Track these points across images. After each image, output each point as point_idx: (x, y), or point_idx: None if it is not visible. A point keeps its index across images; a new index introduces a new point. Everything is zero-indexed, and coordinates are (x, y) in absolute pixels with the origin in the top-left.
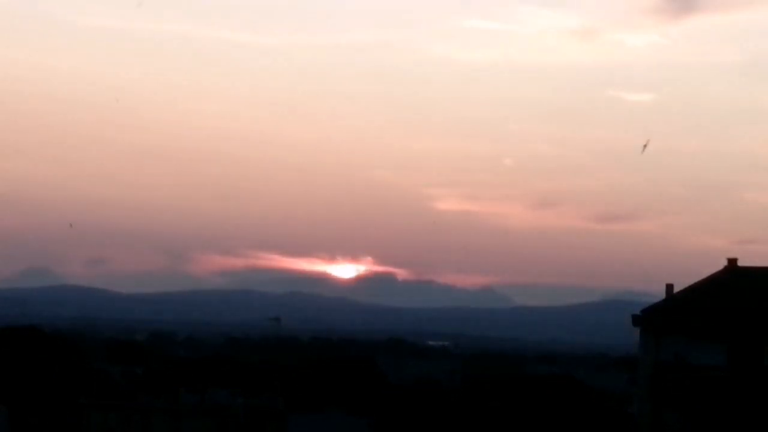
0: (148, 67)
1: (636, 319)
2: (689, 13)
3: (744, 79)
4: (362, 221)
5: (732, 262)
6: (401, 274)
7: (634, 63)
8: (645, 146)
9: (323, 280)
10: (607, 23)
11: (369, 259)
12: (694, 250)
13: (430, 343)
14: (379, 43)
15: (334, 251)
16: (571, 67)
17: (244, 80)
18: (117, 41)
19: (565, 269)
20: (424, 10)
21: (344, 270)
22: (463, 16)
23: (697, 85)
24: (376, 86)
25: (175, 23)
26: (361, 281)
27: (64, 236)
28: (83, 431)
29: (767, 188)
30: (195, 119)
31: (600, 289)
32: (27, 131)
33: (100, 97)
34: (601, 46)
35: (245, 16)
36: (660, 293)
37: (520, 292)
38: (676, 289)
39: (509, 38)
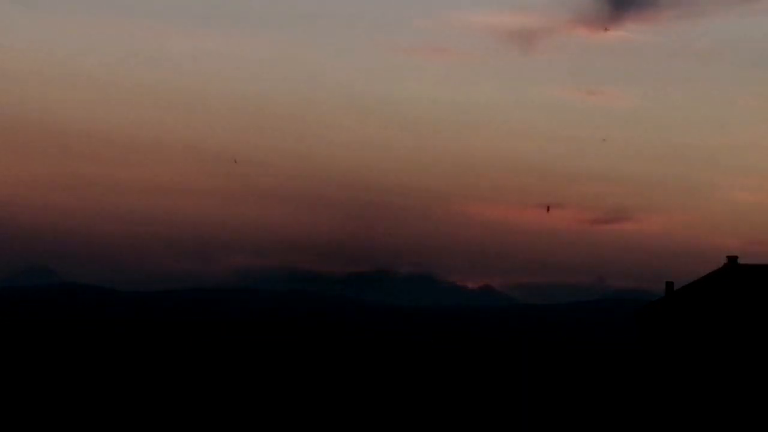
0: (158, 72)
1: (636, 317)
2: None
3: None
4: (362, 220)
5: (732, 260)
6: (401, 272)
7: (605, 63)
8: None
9: (324, 277)
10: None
11: (370, 257)
12: (694, 249)
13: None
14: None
15: (334, 249)
16: (548, 67)
17: (249, 87)
18: (124, 45)
19: (565, 268)
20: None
21: (345, 267)
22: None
23: (677, 83)
24: (355, 86)
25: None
26: (361, 279)
27: (65, 234)
28: None
29: (766, 186)
30: (196, 119)
31: (600, 287)
32: (27, 129)
33: (103, 94)
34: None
35: (247, 24)
36: (660, 291)
37: (519, 291)
38: (676, 287)
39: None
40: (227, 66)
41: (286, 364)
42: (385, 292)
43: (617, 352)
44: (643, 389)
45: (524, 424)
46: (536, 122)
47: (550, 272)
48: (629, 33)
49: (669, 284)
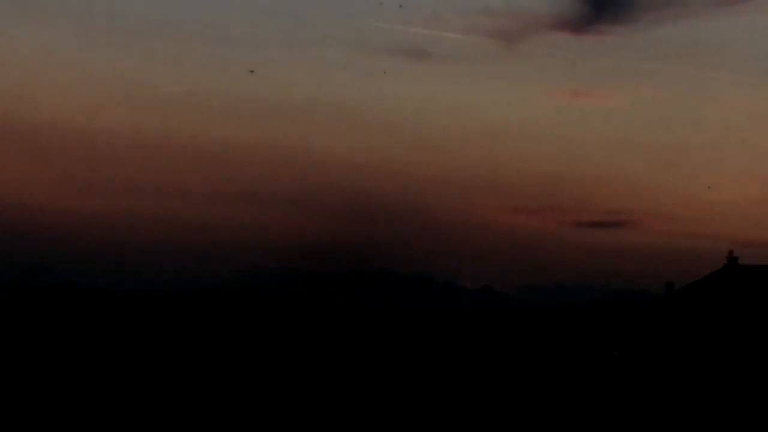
0: (157, 72)
1: (637, 317)
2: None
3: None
4: (362, 220)
5: (732, 260)
6: (401, 272)
7: (591, 63)
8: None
9: (324, 277)
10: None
11: (370, 257)
12: (694, 249)
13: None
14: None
15: (334, 249)
16: (533, 68)
17: (249, 87)
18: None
19: (564, 268)
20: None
21: (345, 267)
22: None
23: (666, 83)
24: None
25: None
26: (361, 279)
27: (65, 234)
28: None
29: (765, 186)
30: (196, 120)
31: (600, 287)
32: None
33: (103, 94)
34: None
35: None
36: (660, 291)
37: (519, 292)
38: (676, 287)
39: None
40: (229, 67)
41: (286, 365)
42: (384, 293)
43: (616, 352)
44: (643, 389)
45: (524, 424)
46: (533, 124)
47: (550, 273)
48: (614, 34)
49: (669, 284)
